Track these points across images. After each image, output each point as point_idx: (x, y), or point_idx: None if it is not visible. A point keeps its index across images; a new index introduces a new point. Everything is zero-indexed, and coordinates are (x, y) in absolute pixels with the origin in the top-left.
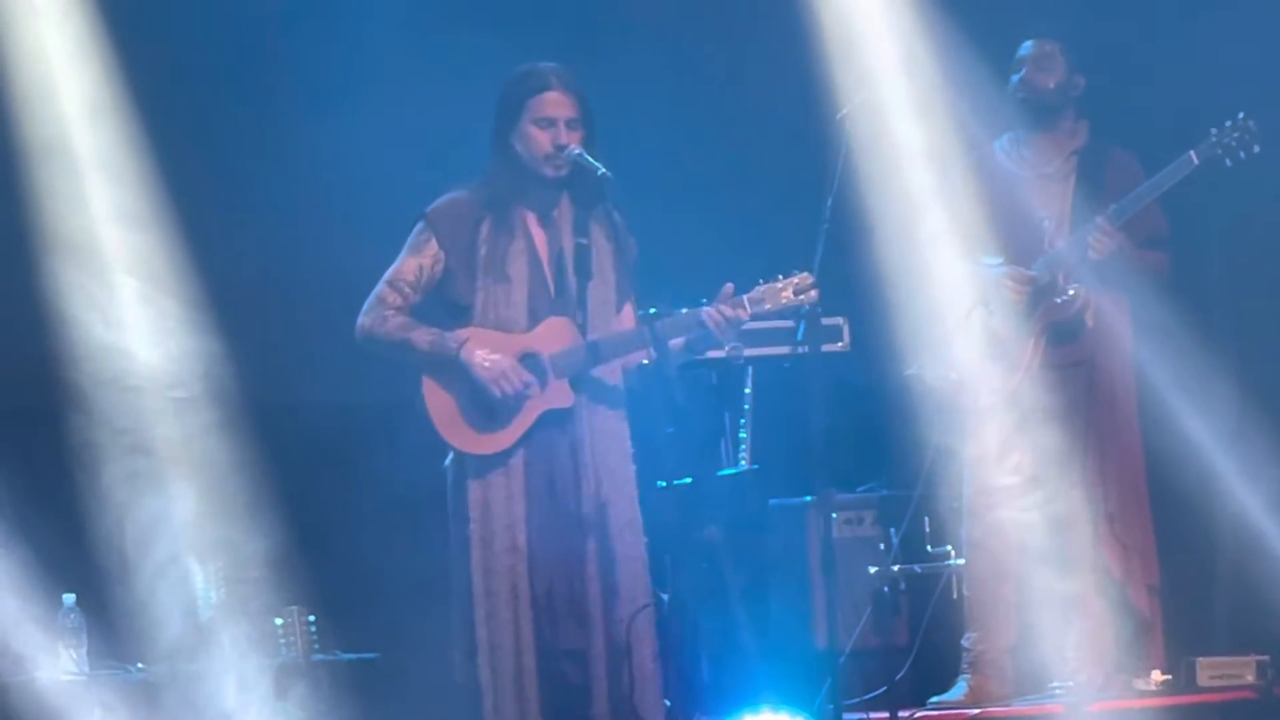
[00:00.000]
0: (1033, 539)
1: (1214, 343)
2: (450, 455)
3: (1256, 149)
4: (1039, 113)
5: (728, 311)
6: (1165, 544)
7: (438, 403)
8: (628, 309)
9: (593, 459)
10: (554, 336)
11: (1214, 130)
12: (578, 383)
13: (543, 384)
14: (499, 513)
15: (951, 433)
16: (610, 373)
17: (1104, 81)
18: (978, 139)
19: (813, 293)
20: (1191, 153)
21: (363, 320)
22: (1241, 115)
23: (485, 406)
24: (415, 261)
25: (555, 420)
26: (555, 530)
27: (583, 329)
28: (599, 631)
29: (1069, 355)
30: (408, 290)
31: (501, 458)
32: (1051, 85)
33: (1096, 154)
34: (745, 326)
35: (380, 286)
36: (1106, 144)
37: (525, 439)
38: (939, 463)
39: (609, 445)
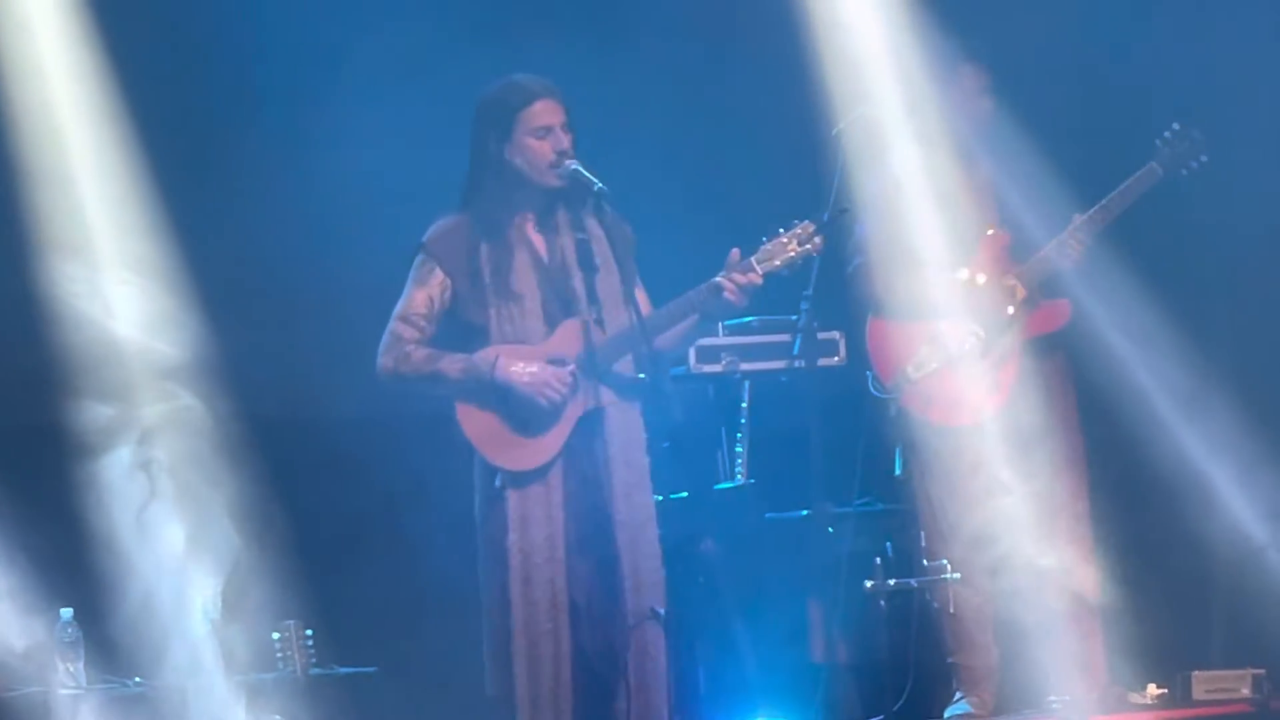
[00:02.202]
0: (1014, 554)
1: (1209, 351)
2: (498, 477)
3: (1204, 159)
4: (985, 136)
5: (740, 278)
6: (1159, 555)
7: (476, 426)
8: (640, 294)
9: (624, 458)
10: (574, 338)
11: (1158, 142)
12: (605, 379)
13: (574, 389)
14: (539, 523)
15: (929, 451)
16: (626, 367)
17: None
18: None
19: (816, 240)
20: (1154, 163)
21: (383, 360)
22: (1178, 126)
23: (522, 421)
24: (424, 293)
25: (588, 423)
26: (592, 537)
27: (599, 323)
28: (632, 630)
29: (1043, 369)
30: (422, 323)
31: (542, 470)
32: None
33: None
34: (746, 339)
35: (393, 324)
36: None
37: (565, 447)
38: (912, 476)
39: (631, 442)
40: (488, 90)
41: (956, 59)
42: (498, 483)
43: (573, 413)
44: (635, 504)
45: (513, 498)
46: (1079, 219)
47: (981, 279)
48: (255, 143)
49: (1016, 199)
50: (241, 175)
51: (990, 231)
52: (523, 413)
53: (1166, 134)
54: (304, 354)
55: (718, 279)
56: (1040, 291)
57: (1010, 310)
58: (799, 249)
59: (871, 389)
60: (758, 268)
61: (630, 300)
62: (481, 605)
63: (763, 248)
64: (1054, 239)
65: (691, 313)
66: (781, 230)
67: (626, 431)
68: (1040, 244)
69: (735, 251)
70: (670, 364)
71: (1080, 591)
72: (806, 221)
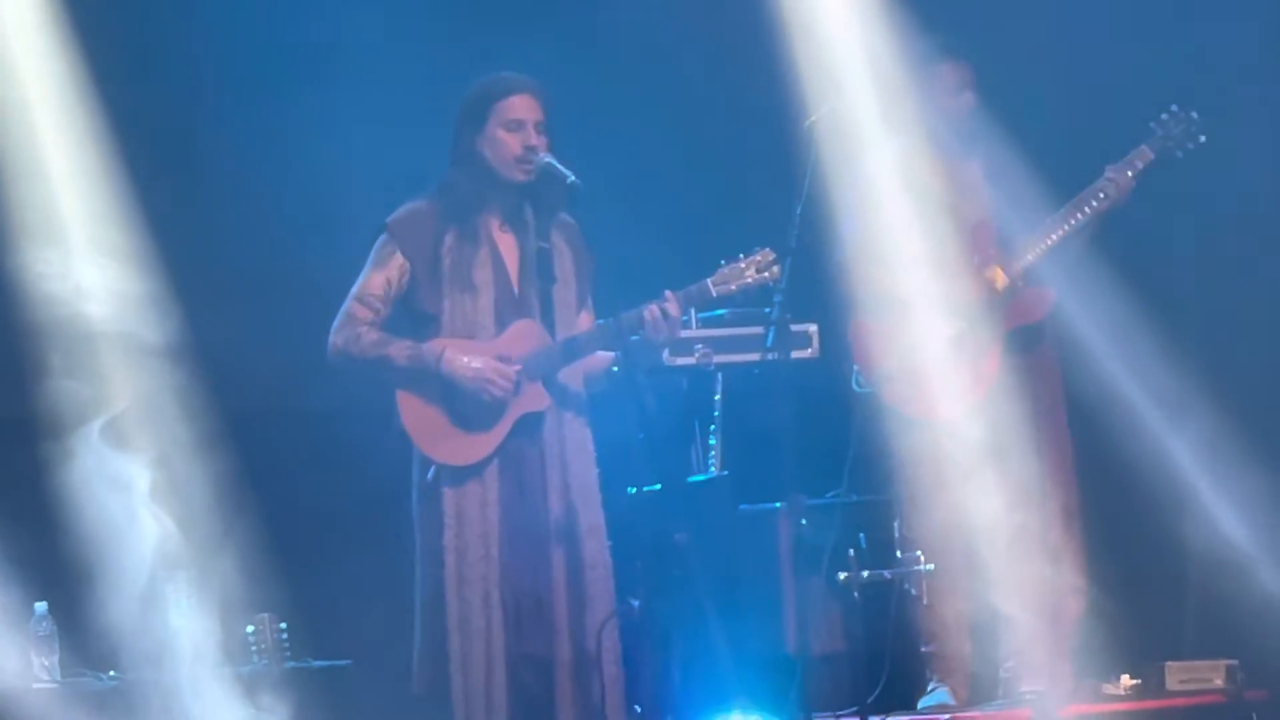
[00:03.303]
0: (990, 545)
1: (1184, 346)
2: (431, 470)
3: (1203, 139)
4: (970, 132)
5: (666, 306)
6: (1135, 548)
7: (416, 417)
8: (585, 315)
9: (560, 464)
10: (523, 339)
11: (1153, 124)
12: (547, 386)
13: (516, 388)
14: (473, 521)
15: (905, 441)
16: (573, 378)
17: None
18: (947, 146)
19: (775, 269)
20: (1144, 146)
21: (334, 339)
22: (1176, 107)
23: (464, 415)
24: (382, 275)
25: (526, 426)
26: (524, 538)
27: (550, 331)
28: (565, 639)
29: (1016, 364)
30: (378, 305)
31: (477, 466)
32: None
33: (995, 162)
34: (719, 331)
35: (349, 303)
36: (996, 151)
37: (500, 447)
38: (894, 467)
39: (575, 450)
40: (473, 82)
41: (935, 56)
42: (430, 475)
43: (513, 413)
44: (577, 512)
45: (448, 495)
46: (1065, 208)
47: (962, 272)
48: (233, 132)
49: (1005, 192)
50: (219, 165)
51: (976, 224)
52: (464, 407)
53: (1164, 115)
54: (281, 344)
55: (644, 306)
56: (1022, 282)
57: (990, 301)
58: (756, 276)
59: (854, 384)
60: (712, 289)
61: (577, 316)
62: (415, 602)
63: (720, 270)
64: (1038, 227)
65: (628, 334)
66: (741, 255)
67: (564, 440)
68: (1025, 234)
69: (668, 293)
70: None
71: (1070, 585)
72: (767, 249)
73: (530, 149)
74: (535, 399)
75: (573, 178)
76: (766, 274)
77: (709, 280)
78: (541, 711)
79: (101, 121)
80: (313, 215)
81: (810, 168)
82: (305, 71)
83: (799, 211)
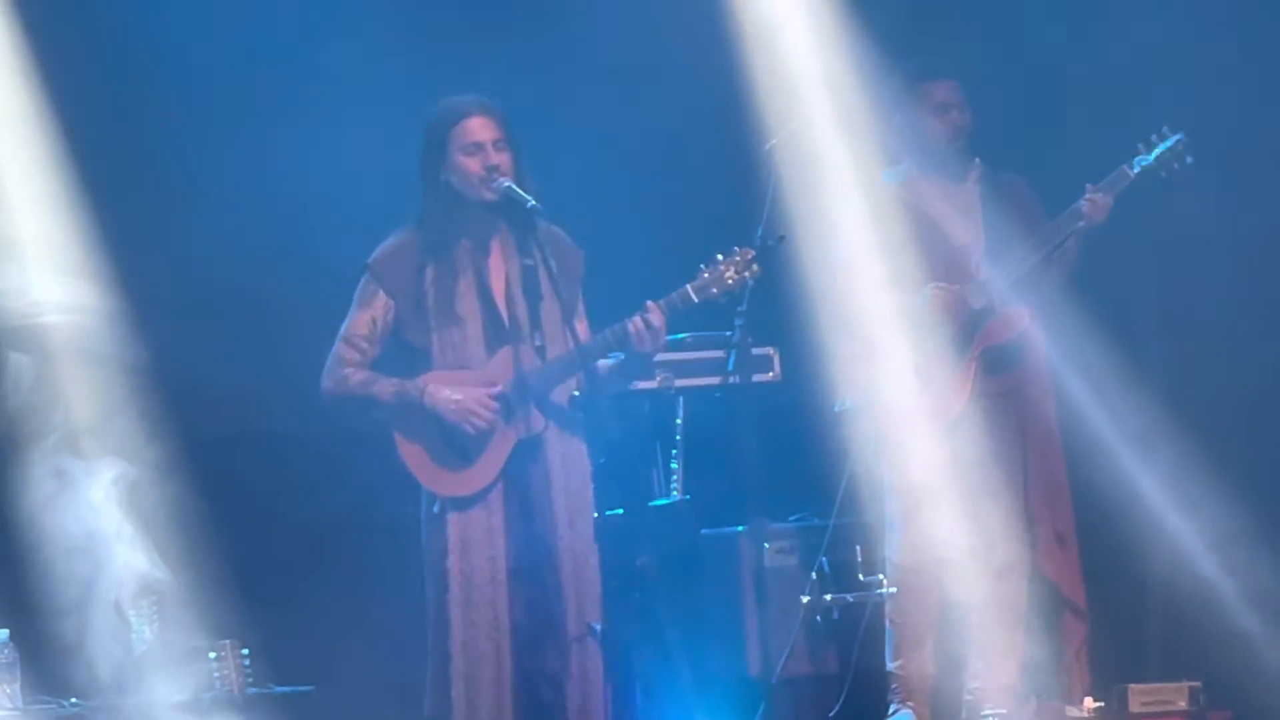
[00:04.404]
0: (960, 567)
1: (1137, 356)
2: (437, 504)
3: (1189, 160)
4: (963, 152)
5: (648, 317)
6: (1097, 570)
7: (411, 453)
8: (581, 325)
9: (564, 482)
10: (509, 365)
11: (1140, 145)
12: (541, 407)
13: (509, 416)
14: (480, 546)
15: (881, 463)
16: (563, 395)
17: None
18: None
19: (755, 267)
20: (1125, 167)
21: (325, 383)
22: (1165, 129)
23: (457, 447)
24: (367, 315)
25: (527, 448)
26: (532, 559)
27: (541, 350)
28: (573, 653)
29: (1001, 384)
30: (364, 345)
31: (481, 493)
32: (969, 124)
33: (993, 181)
34: (665, 341)
35: (337, 345)
36: (997, 171)
37: (502, 472)
38: (860, 490)
39: (573, 468)
40: (429, 113)
41: (921, 75)
42: (435, 508)
43: (507, 439)
44: (578, 531)
45: (453, 520)
46: (1044, 228)
47: (937, 292)
48: (202, 149)
49: (1001, 212)
50: (187, 182)
51: (960, 244)
52: (453, 441)
53: (1153, 137)
54: (247, 366)
55: (627, 320)
56: (999, 301)
57: (964, 321)
58: (737, 276)
59: (837, 406)
60: (694, 294)
61: (569, 328)
62: (426, 626)
63: (701, 275)
64: (1018, 247)
65: (613, 349)
66: (720, 257)
67: (566, 458)
68: (1007, 254)
69: (649, 304)
70: (608, 396)
71: (1068, 609)
72: (746, 248)
73: (492, 169)
74: (530, 422)
75: (532, 202)
76: (747, 273)
77: (689, 286)
78: None
79: (62, 139)
80: (283, 235)
81: (771, 190)
82: (275, 89)
83: (760, 234)
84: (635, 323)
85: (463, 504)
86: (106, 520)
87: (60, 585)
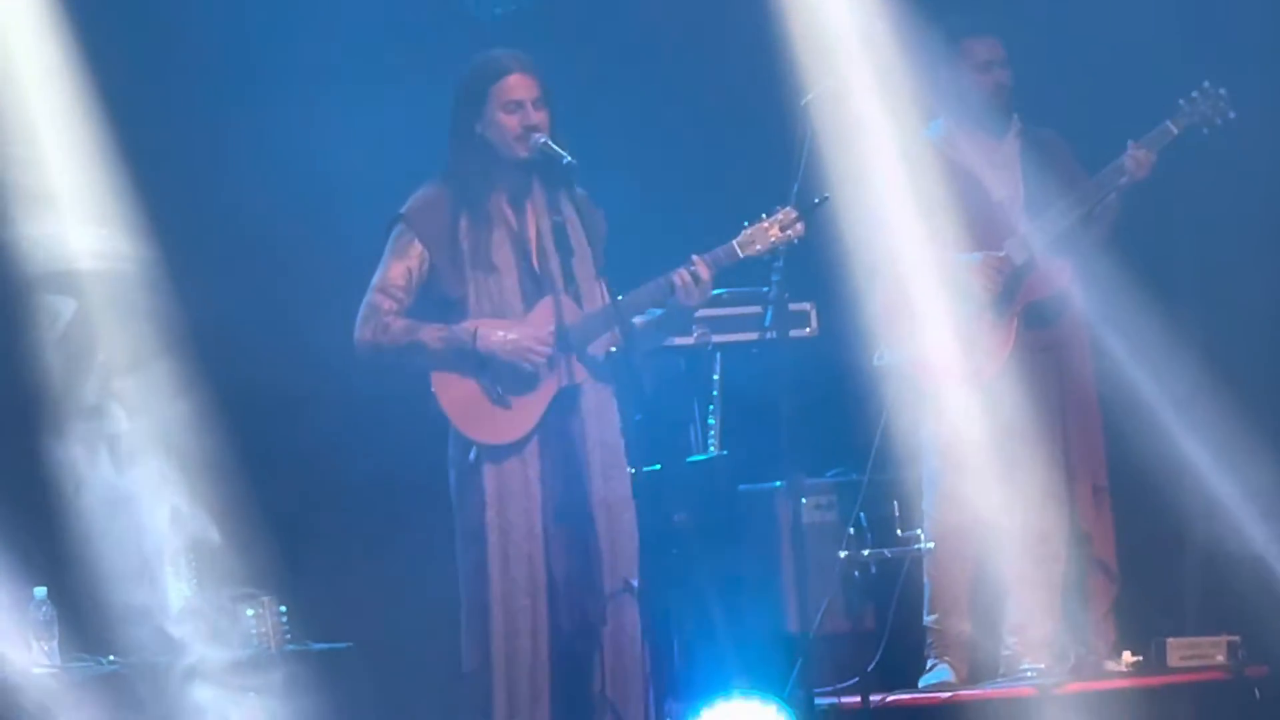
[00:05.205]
0: (998, 522)
1: (1178, 318)
2: (473, 451)
3: (1231, 115)
4: (1003, 109)
5: (695, 270)
6: (1135, 524)
7: (452, 397)
8: (600, 285)
9: (599, 435)
10: (551, 315)
11: (1182, 101)
12: (580, 359)
13: (551, 365)
14: (517, 499)
15: (920, 418)
16: (600, 349)
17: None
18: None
19: (799, 226)
20: (1169, 122)
21: (361, 333)
22: (1208, 84)
23: (501, 392)
24: (402, 265)
25: (565, 400)
26: (568, 512)
27: (577, 301)
28: (609, 609)
29: (1041, 340)
30: (400, 295)
31: (516, 444)
32: (1010, 81)
33: (1031, 138)
34: (710, 293)
35: (371, 295)
36: (1035, 128)
37: (540, 423)
38: (897, 446)
39: (606, 422)
40: (468, 64)
41: (963, 32)
42: (471, 456)
43: (549, 388)
44: (613, 485)
45: (489, 473)
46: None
47: (983, 257)
48: (237, 105)
49: (1039, 168)
50: (222, 141)
51: (999, 199)
52: (502, 383)
53: (1194, 93)
54: (284, 330)
55: (673, 272)
56: (1039, 257)
57: (1001, 278)
58: (780, 234)
59: (874, 360)
60: (739, 250)
61: (601, 284)
62: (459, 581)
63: (745, 231)
64: (1059, 202)
65: (655, 302)
66: (764, 215)
67: (601, 411)
68: (1048, 209)
69: (695, 257)
70: (643, 351)
71: (1099, 565)
72: (789, 207)
73: (530, 128)
74: (572, 372)
75: (569, 158)
76: (790, 231)
77: (735, 242)
78: (588, 680)
79: (97, 93)
80: (318, 192)
81: (806, 145)
82: (311, 43)
83: (795, 189)
84: (681, 275)
85: (499, 455)
86: (144, 473)
87: (98, 541)
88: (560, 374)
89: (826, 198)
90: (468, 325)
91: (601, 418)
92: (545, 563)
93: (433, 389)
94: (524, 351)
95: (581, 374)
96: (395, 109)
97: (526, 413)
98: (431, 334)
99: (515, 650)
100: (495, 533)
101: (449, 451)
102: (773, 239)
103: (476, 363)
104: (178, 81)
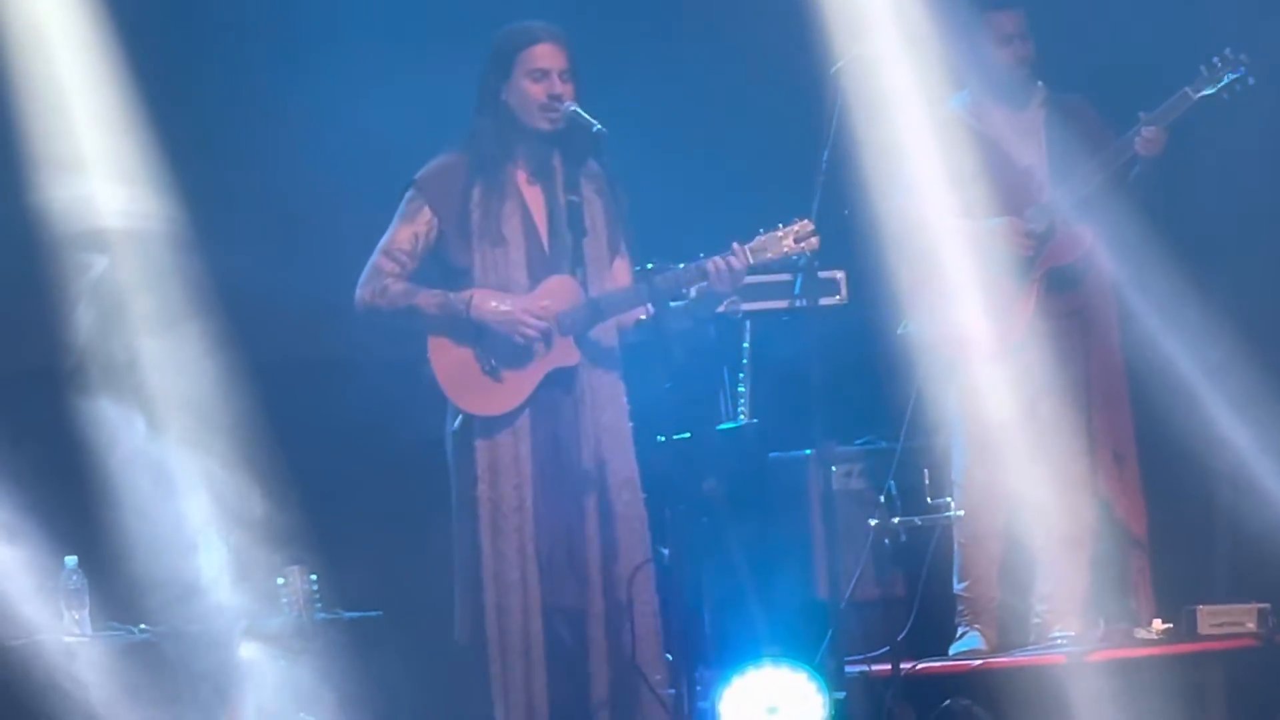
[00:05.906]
0: (1027, 489)
1: (1211, 285)
2: (458, 419)
3: (1251, 81)
4: (1027, 79)
5: (731, 260)
6: (1163, 492)
7: (445, 365)
8: (620, 263)
9: (594, 416)
10: (557, 294)
11: (1203, 67)
12: (579, 341)
13: (549, 342)
14: (507, 473)
15: (945, 386)
16: (606, 332)
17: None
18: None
19: (813, 240)
20: (1187, 89)
21: (361, 292)
22: (1229, 50)
23: (493, 363)
24: (409, 230)
25: (559, 379)
26: (558, 490)
27: (583, 285)
28: (598, 590)
29: (1066, 305)
30: (404, 259)
31: (509, 418)
32: (1032, 53)
33: (1056, 104)
34: (744, 281)
35: (376, 257)
36: (1060, 94)
37: (531, 399)
38: (927, 413)
39: (607, 404)
40: (498, 31)
41: (987, 3)
42: (456, 424)
43: (542, 365)
44: (612, 464)
45: (481, 447)
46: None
47: (1004, 221)
48: (267, 70)
49: (1065, 134)
50: (252, 106)
51: (1024, 167)
52: (493, 354)
53: (1215, 59)
54: (309, 297)
55: (706, 259)
56: (1061, 223)
57: (1024, 246)
58: (794, 246)
59: (900, 328)
60: (750, 255)
61: (612, 267)
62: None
63: (758, 238)
64: (1084, 165)
65: (685, 286)
66: (780, 225)
67: (598, 395)
68: (1068, 177)
69: (735, 246)
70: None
71: (1123, 532)
72: (806, 220)
73: (555, 97)
74: (566, 354)
75: (599, 126)
76: (804, 244)
77: (747, 246)
78: (576, 662)
79: (126, 57)
80: (345, 159)
81: (836, 113)
82: (342, 6)
83: (825, 157)
84: (716, 262)
85: (491, 428)
86: (172, 445)
87: (129, 512)
88: (557, 354)
89: (848, 211)
90: (464, 293)
91: (597, 401)
92: (535, 538)
93: (429, 355)
94: (516, 324)
95: (580, 357)
96: (431, 75)
97: (517, 387)
98: (428, 299)
99: (508, 624)
100: (486, 506)
101: (447, 423)
102: (785, 249)
103: (472, 331)
104: (215, 47)
